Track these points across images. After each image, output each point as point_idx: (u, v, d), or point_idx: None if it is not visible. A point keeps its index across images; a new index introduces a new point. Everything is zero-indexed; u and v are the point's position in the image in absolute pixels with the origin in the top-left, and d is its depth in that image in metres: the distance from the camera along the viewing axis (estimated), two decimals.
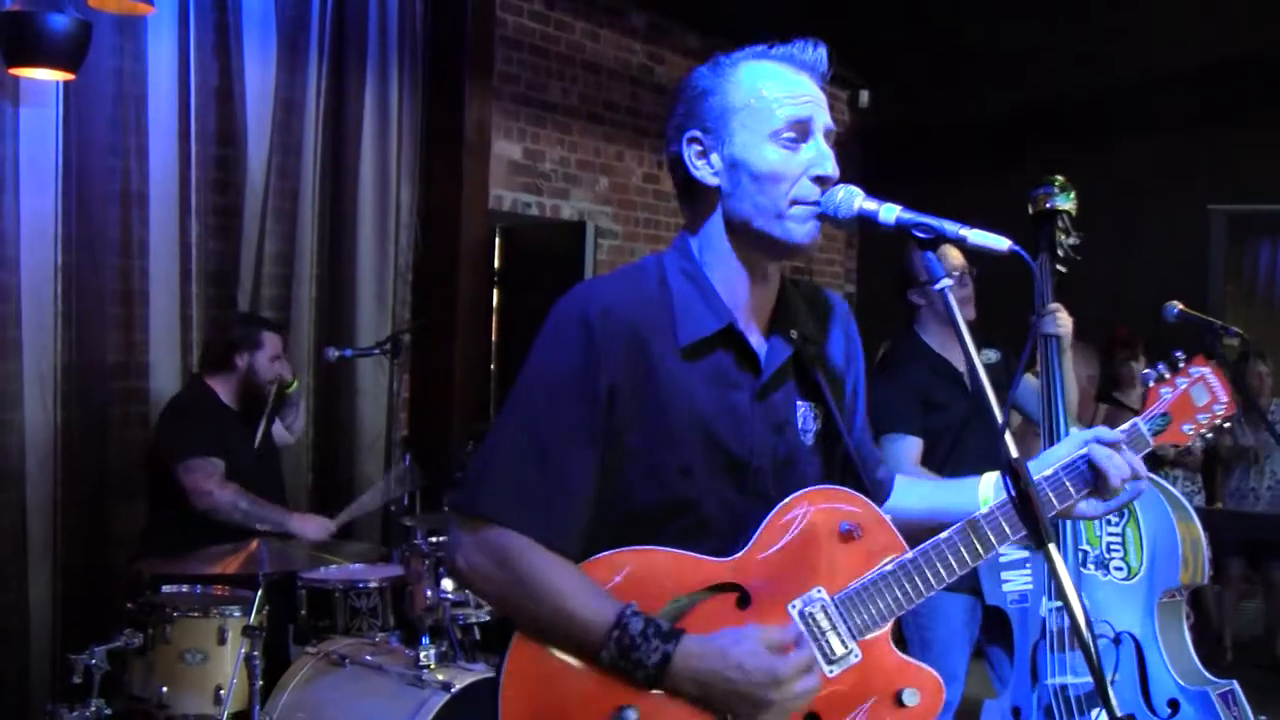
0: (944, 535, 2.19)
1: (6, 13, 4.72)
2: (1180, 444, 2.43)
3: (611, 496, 2.12)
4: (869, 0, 8.25)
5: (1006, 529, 2.20)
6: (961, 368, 4.70)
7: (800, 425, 2.26)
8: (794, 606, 2.12)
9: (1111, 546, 4.12)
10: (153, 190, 5.56)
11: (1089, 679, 4.06)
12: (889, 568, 2.16)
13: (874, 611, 2.14)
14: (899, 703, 2.15)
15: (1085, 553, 4.16)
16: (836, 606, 2.13)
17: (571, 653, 2.06)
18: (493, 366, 8.12)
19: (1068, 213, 4.50)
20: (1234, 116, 8.79)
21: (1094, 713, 4.13)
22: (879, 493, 2.38)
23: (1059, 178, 4.52)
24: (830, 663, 2.12)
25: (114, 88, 5.37)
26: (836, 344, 2.37)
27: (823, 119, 2.17)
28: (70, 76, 4.87)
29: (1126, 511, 4.08)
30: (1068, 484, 2.24)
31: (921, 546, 2.18)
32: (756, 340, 2.22)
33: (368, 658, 4.29)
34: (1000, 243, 1.99)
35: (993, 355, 4.80)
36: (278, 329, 5.55)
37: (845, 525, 2.15)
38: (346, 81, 6.55)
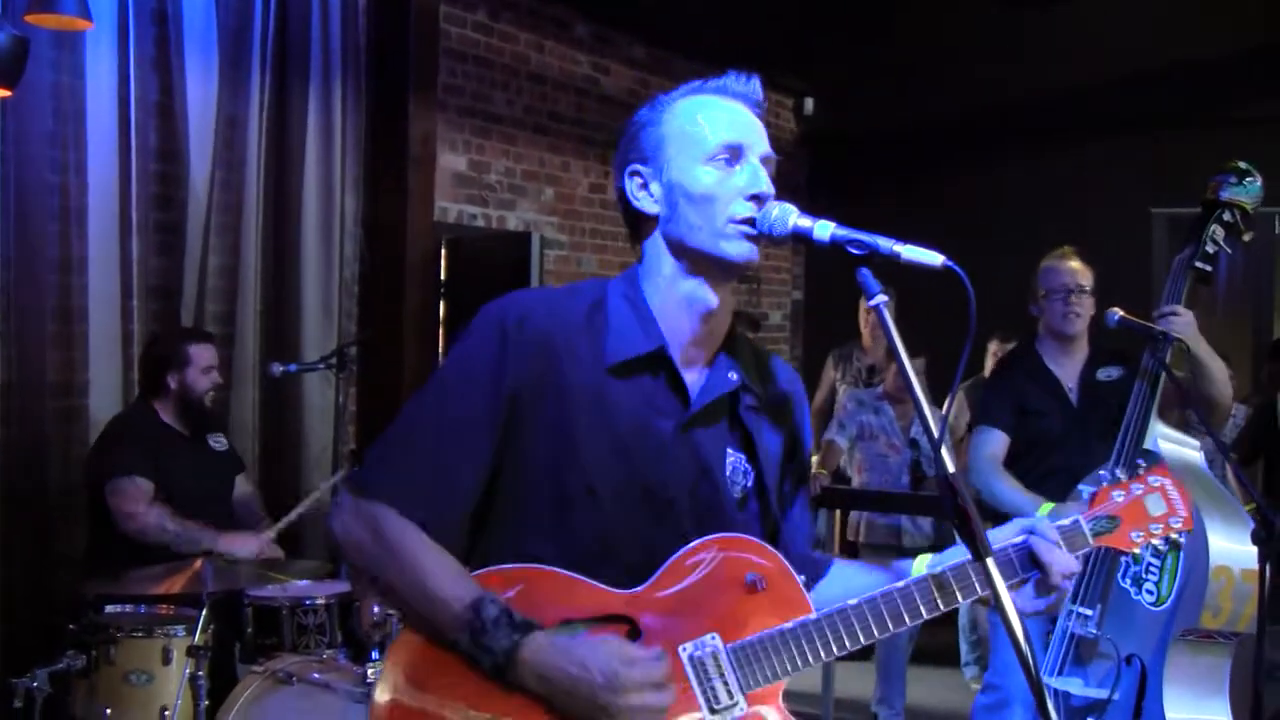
0: (852, 602, 2.14)
1: None
2: (1126, 550, 2.36)
3: (513, 505, 2.15)
4: (812, 9, 8.28)
5: (920, 606, 2.16)
6: (1070, 384, 4.83)
7: (728, 473, 2.23)
8: (685, 649, 2.09)
9: (1150, 567, 4.06)
10: (92, 206, 5.51)
11: (1092, 693, 4.10)
12: (789, 626, 2.12)
13: (767, 668, 2.10)
14: None
15: (1127, 564, 4.13)
16: (729, 655, 2.10)
17: (428, 632, 2.07)
18: None
19: (1241, 207, 4.33)
20: (1175, 120, 8.88)
21: None
22: (808, 571, 2.28)
23: (1241, 165, 4.36)
24: (713, 711, 2.08)
25: (52, 103, 5.32)
26: (780, 411, 2.34)
27: (760, 146, 2.20)
28: (7, 93, 4.82)
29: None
30: (1014, 562, 2.18)
31: (827, 610, 2.14)
32: (694, 373, 2.22)
33: (315, 675, 4.25)
34: (934, 259, 1.99)
35: (1114, 372, 4.75)
36: (206, 337, 5.47)
37: (751, 576, 2.12)
38: (289, 95, 6.52)
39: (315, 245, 6.66)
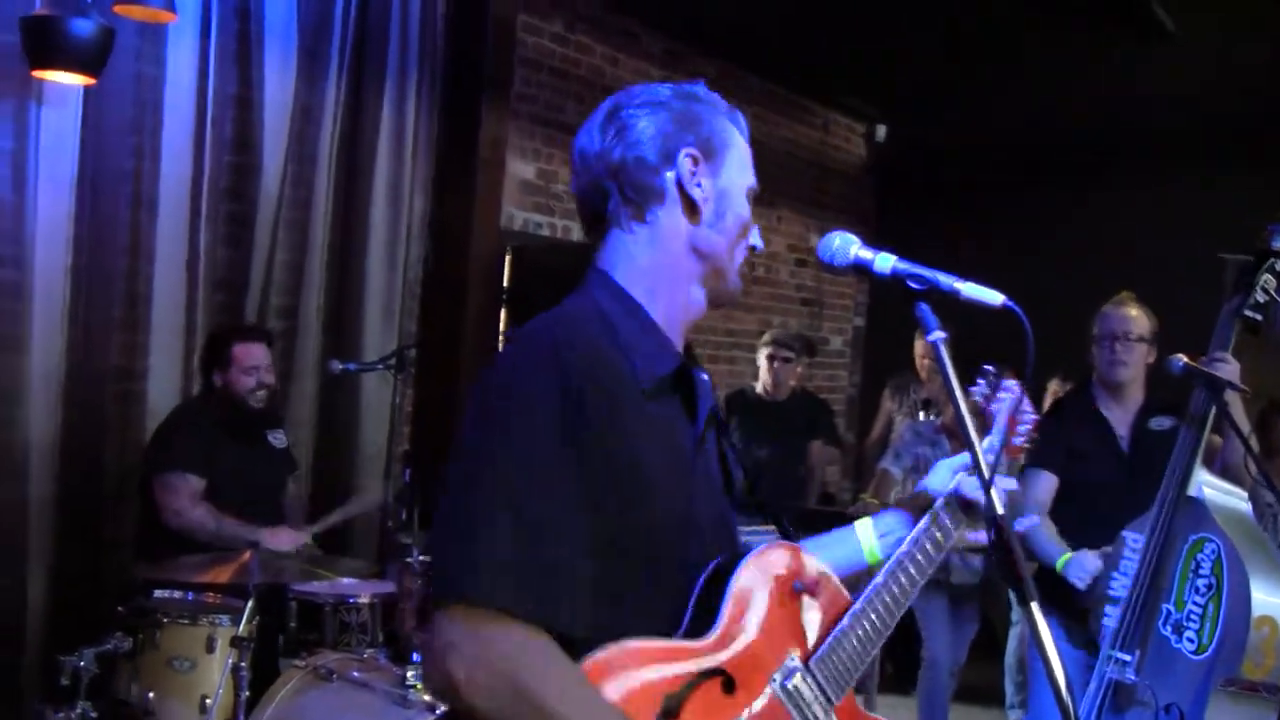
0: (880, 579, 2.22)
1: (32, 16, 4.77)
2: (1015, 457, 2.54)
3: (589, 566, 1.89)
4: (885, 34, 8.25)
5: (928, 560, 2.29)
6: (1122, 430, 4.80)
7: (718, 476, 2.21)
8: (775, 681, 2.03)
9: (1192, 615, 4.03)
10: (163, 195, 5.58)
11: None
12: (847, 622, 2.13)
13: (844, 671, 2.11)
14: None
15: (1168, 612, 4.09)
16: (813, 672, 2.08)
17: None
18: None
19: None
20: (1253, 164, 8.77)
21: None
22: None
23: None
24: None
25: (132, 92, 5.40)
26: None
27: None
28: (91, 81, 4.91)
29: (1215, 585, 3.99)
30: (948, 524, 2.35)
31: (864, 594, 2.18)
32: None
33: (355, 674, 4.27)
34: (994, 298, 1.99)
35: (1166, 422, 4.68)
36: (258, 336, 5.47)
37: (798, 584, 2.10)
38: (364, 94, 6.58)
39: (381, 245, 6.71)
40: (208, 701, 4.27)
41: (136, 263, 5.52)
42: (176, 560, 4.55)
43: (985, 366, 2.55)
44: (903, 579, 2.24)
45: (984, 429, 2.49)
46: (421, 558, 4.82)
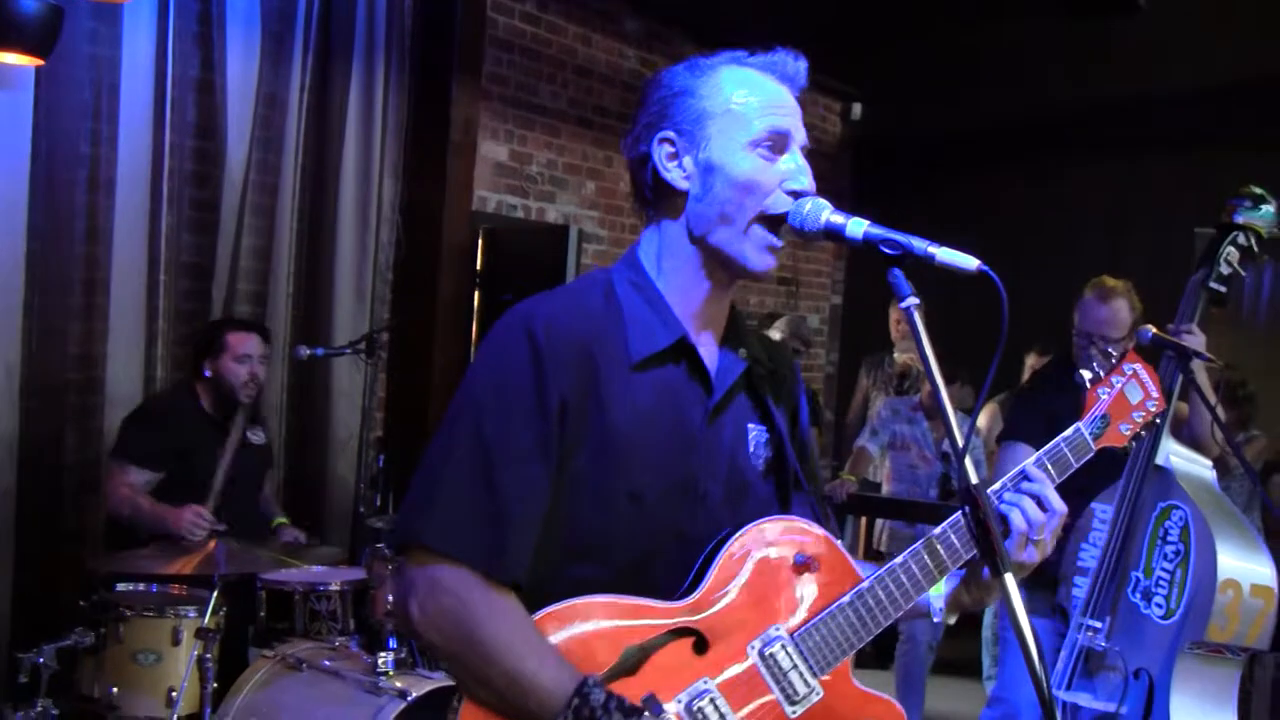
0: (898, 560, 2.13)
1: None
2: (1117, 446, 2.41)
3: (558, 523, 1.97)
4: (863, 12, 8.19)
5: (959, 547, 2.15)
6: None
7: (751, 449, 2.17)
8: (753, 647, 2.03)
9: (1160, 581, 4.05)
10: (121, 179, 5.46)
11: (1100, 706, 4.08)
12: (846, 599, 2.08)
13: (834, 646, 2.07)
14: None
15: (1137, 579, 4.11)
16: (796, 643, 2.05)
17: (513, 717, 1.90)
18: None
19: (1255, 230, 4.29)
20: (1222, 139, 8.76)
21: None
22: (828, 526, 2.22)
23: (1256, 189, 4.35)
24: (793, 703, 2.04)
25: (88, 74, 5.28)
26: (781, 376, 2.27)
27: (800, 134, 2.10)
28: (40, 62, 4.78)
29: (1182, 551, 3.99)
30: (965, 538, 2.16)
31: (876, 573, 2.11)
32: (708, 355, 2.12)
33: (325, 663, 4.22)
34: (969, 262, 1.92)
35: None
36: (252, 327, 5.38)
37: (800, 557, 2.08)
38: (331, 77, 6.48)
39: (351, 229, 6.62)
40: (174, 694, 4.20)
41: (95, 249, 5.41)
42: (142, 552, 4.47)
43: (1108, 349, 2.45)
44: (929, 560, 2.13)
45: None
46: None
